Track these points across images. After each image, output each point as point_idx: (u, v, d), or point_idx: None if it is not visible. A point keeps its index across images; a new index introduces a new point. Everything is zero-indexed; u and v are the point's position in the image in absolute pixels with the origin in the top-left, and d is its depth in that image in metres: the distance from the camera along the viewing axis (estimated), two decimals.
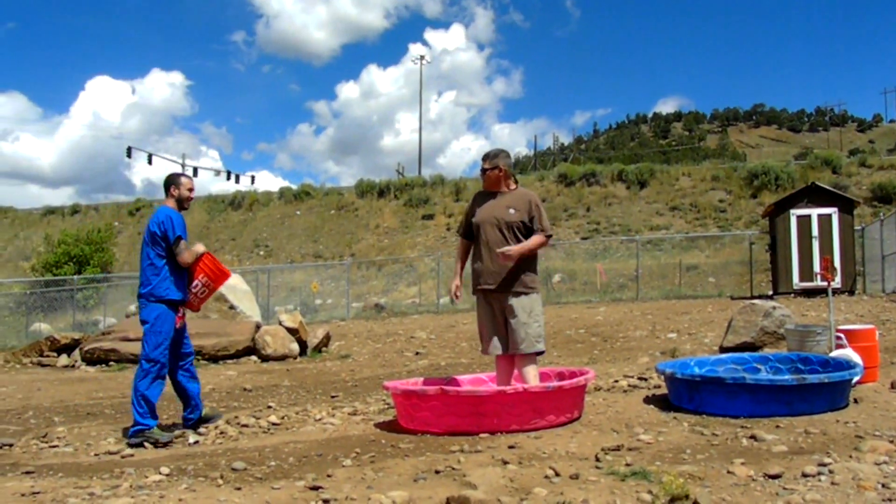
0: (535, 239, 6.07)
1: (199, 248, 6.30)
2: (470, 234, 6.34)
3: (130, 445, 5.76)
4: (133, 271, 34.20)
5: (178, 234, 6.06)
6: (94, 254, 34.26)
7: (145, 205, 52.01)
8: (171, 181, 6.37)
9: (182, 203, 6.34)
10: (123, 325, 13.58)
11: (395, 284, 31.97)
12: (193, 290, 6.30)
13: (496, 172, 6.17)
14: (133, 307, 15.75)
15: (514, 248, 5.93)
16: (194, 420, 6.33)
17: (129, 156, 54.72)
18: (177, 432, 6.17)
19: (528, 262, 6.10)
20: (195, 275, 6.28)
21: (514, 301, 5.99)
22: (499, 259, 5.94)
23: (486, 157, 6.23)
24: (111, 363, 12.14)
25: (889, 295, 17.11)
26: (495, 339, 6.13)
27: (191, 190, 6.41)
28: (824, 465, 4.03)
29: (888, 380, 6.79)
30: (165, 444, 5.78)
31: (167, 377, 6.20)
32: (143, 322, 6.09)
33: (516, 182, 6.34)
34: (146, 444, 5.79)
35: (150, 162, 56.12)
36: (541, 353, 6.15)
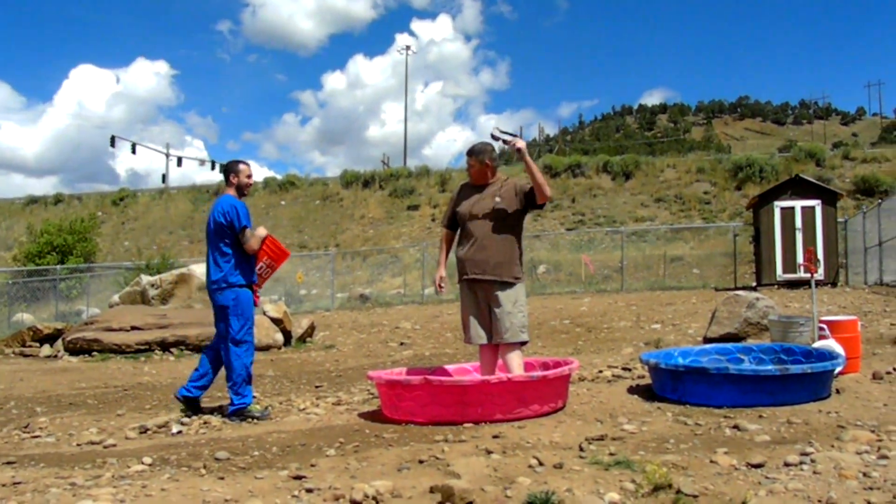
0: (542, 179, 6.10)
1: (262, 231, 6.54)
2: (454, 224, 6.35)
3: (232, 422, 6.15)
4: (116, 261, 34.10)
5: (244, 223, 6.28)
6: (77, 244, 34.03)
7: (129, 194, 51.76)
8: (230, 169, 6.58)
9: (242, 190, 6.54)
10: (106, 316, 13.47)
11: (379, 275, 31.93)
12: (258, 271, 6.59)
13: (482, 167, 6.17)
14: (117, 297, 15.65)
15: (525, 149, 6.08)
16: (196, 397, 6.44)
17: (112, 145, 54.40)
18: (268, 410, 6.47)
19: (513, 251, 6.10)
20: (259, 256, 6.57)
21: (499, 291, 5.99)
22: (510, 145, 6.09)
23: (471, 153, 6.21)
24: (94, 353, 12.07)
25: (871, 286, 17.23)
26: (479, 328, 6.12)
27: (249, 177, 6.62)
28: (806, 454, 4.06)
29: (870, 370, 6.85)
30: (261, 419, 6.17)
31: (215, 347, 6.51)
32: (222, 307, 6.32)
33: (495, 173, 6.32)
34: (246, 421, 6.15)
35: (133, 151, 55.87)
36: (524, 342, 6.15)
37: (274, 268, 6.77)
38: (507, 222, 6.07)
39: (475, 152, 6.19)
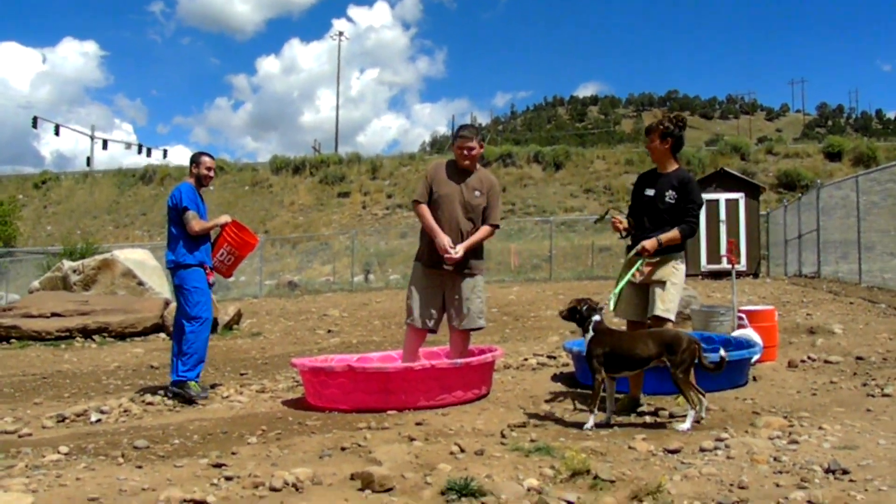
0: (483, 231, 5.99)
1: (223, 218, 6.79)
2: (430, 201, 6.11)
3: (171, 395, 6.31)
4: (37, 246, 33.29)
5: (185, 205, 6.45)
6: None
7: (51, 177, 50.40)
8: (193, 160, 6.78)
9: (201, 180, 6.72)
10: (26, 302, 13.09)
11: (309, 262, 31.74)
12: (220, 259, 6.74)
13: (480, 151, 6.09)
14: (37, 283, 15.24)
15: (461, 248, 5.81)
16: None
17: (34, 126, 52.85)
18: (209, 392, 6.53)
19: (482, 246, 6.11)
20: (219, 244, 6.73)
21: (461, 280, 5.95)
22: (447, 261, 5.82)
23: (470, 135, 6.03)
24: (12, 340, 11.72)
25: (791, 277, 17.72)
26: (426, 311, 6.00)
27: (209, 169, 6.78)
28: (721, 440, 4.16)
29: (786, 358, 7.03)
30: (193, 401, 6.17)
31: (176, 325, 6.61)
32: (175, 287, 6.59)
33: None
34: (180, 397, 6.25)
35: (56, 133, 54.36)
36: (480, 328, 6.13)
37: (237, 255, 6.85)
38: (481, 216, 6.02)
39: (474, 134, 6.07)
